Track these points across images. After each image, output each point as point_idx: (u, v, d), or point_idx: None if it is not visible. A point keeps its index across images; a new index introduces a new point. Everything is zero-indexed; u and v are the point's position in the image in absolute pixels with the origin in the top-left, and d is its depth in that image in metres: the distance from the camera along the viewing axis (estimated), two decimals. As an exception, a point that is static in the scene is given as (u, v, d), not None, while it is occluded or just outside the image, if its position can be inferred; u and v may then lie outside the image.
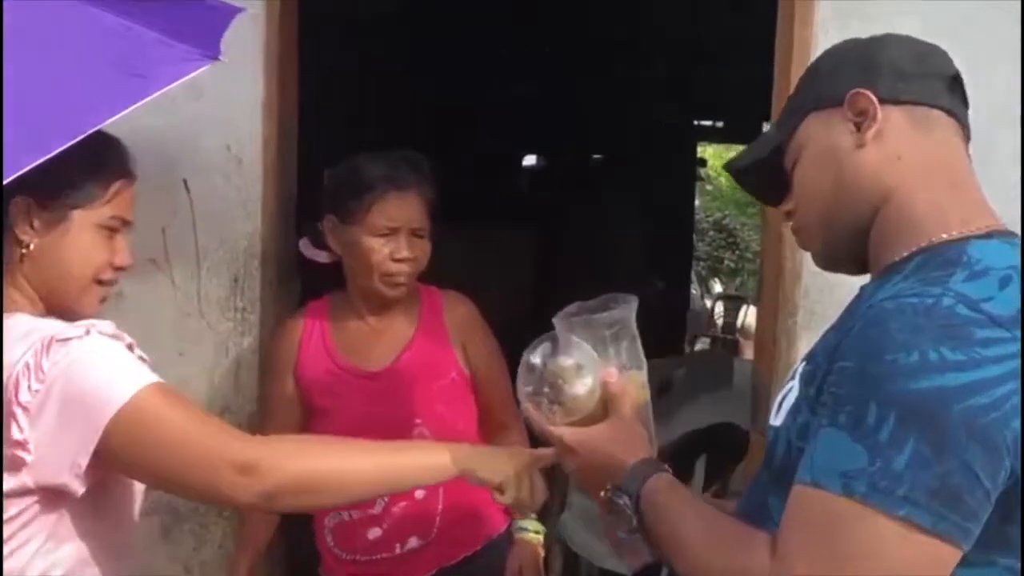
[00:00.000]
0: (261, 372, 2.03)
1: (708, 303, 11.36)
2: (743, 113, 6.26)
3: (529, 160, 7.99)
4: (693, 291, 11.06)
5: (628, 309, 1.20)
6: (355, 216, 1.79)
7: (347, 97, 4.12)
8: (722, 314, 10.96)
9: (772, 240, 1.83)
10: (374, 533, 1.83)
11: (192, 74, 1.23)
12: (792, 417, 0.98)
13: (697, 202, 10.94)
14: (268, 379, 1.95)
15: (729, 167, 1.19)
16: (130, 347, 1.19)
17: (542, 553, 1.92)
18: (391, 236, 1.78)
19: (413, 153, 1.88)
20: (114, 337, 1.17)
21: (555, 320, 1.21)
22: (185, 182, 2.05)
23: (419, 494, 1.83)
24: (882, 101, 0.98)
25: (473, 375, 1.91)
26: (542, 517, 1.93)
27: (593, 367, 1.16)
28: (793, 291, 1.78)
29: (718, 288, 13.25)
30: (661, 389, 3.99)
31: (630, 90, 5.95)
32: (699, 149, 9.01)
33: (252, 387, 2.06)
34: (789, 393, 1.01)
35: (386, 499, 1.81)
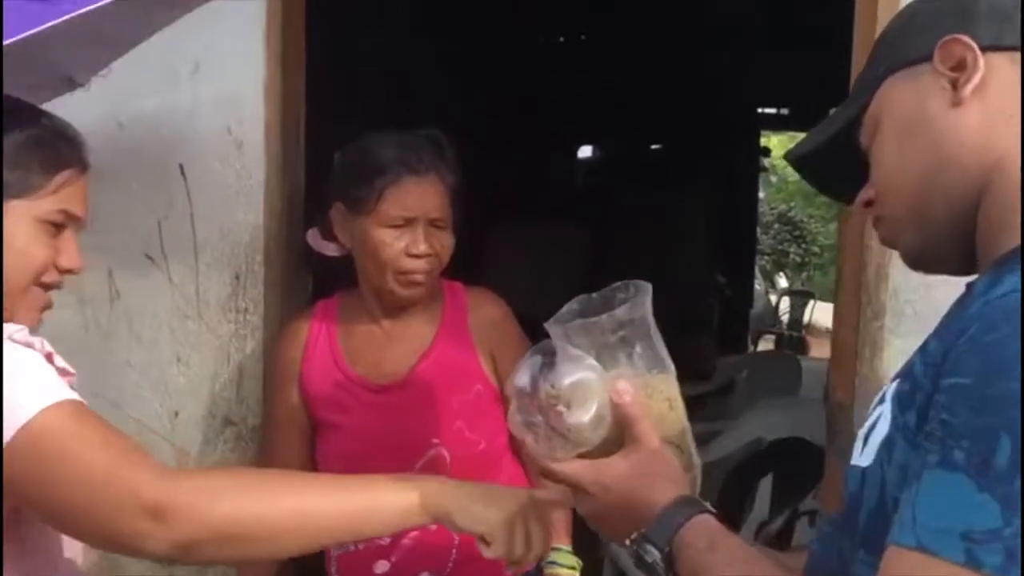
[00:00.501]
0: (265, 381, 1.81)
1: (773, 299, 11.00)
2: (809, 99, 5.98)
3: (584, 152, 7.74)
4: (757, 286, 10.69)
5: (638, 303, 0.93)
6: (365, 205, 1.56)
7: (388, 84, 3.90)
8: (788, 310, 10.58)
9: (852, 229, 1.54)
10: (382, 567, 1.60)
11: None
12: (884, 455, 0.73)
13: (761, 194, 10.56)
14: (270, 390, 1.73)
15: (790, 156, 0.95)
16: (49, 357, 0.97)
17: (580, 593, 1.66)
18: (406, 228, 1.54)
19: (432, 132, 1.63)
20: (27, 345, 0.95)
21: (548, 326, 0.95)
22: (181, 167, 1.84)
23: None
24: (982, 48, 0.78)
25: (502, 385, 1.66)
26: (585, 542, 1.68)
27: (599, 384, 0.91)
28: (879, 289, 1.49)
29: (783, 283, 12.85)
30: (725, 389, 3.71)
31: (690, 77, 5.66)
32: (763, 138, 8.64)
33: (256, 397, 1.85)
34: (878, 422, 0.76)
35: None
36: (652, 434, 0.90)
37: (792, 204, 13.58)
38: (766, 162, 9.77)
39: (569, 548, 1.68)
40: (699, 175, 6.56)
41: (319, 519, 1.00)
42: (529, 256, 5.46)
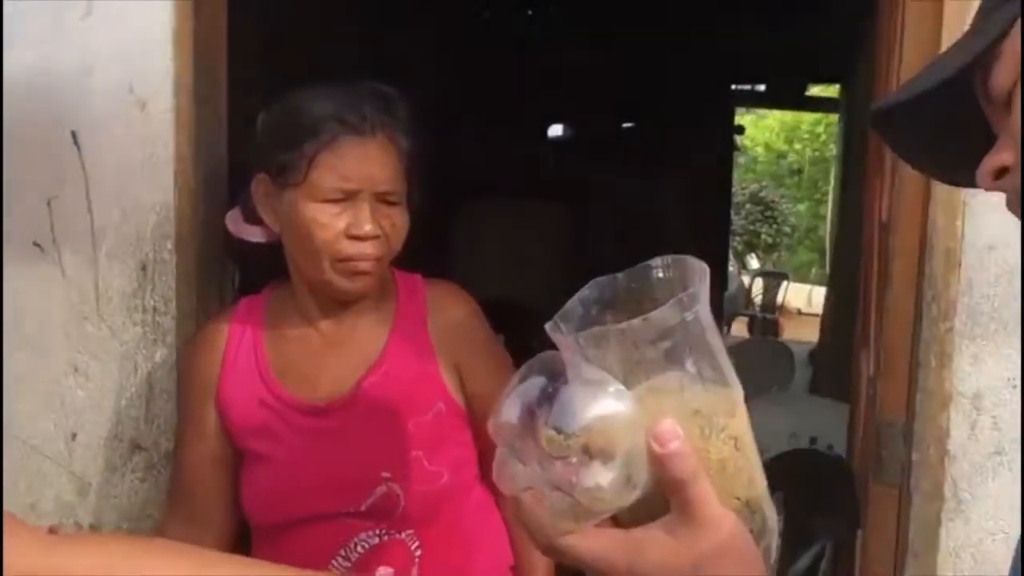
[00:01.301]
0: (178, 398, 1.47)
1: (746, 280, 10.89)
2: (786, 75, 5.80)
3: (555, 131, 7.50)
4: (730, 268, 10.54)
5: (690, 297, 0.59)
6: (293, 174, 1.23)
7: (343, 45, 3.54)
8: (761, 292, 10.45)
9: (908, 202, 1.22)
10: None
11: None
12: None
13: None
14: (182, 411, 1.41)
15: (876, 110, 0.68)
16: None
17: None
18: (346, 203, 1.23)
19: (380, 86, 1.30)
20: None
21: (552, 331, 0.61)
22: (74, 135, 1.49)
23: (381, 574, 1.28)
24: None
25: (471, 405, 1.34)
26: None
27: (629, 422, 0.57)
28: (948, 282, 1.18)
29: (754, 264, 12.73)
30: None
31: (662, 53, 5.44)
32: (736, 115, 8.41)
33: (169, 416, 1.51)
34: None
35: None
36: (711, 497, 0.58)
37: (763, 184, 13.46)
38: (738, 140, 9.59)
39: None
40: (672, 154, 6.37)
41: None
42: (502, 236, 5.23)
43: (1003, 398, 1.17)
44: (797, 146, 13.48)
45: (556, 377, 0.58)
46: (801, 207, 13.70)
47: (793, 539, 1.74)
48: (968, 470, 1.19)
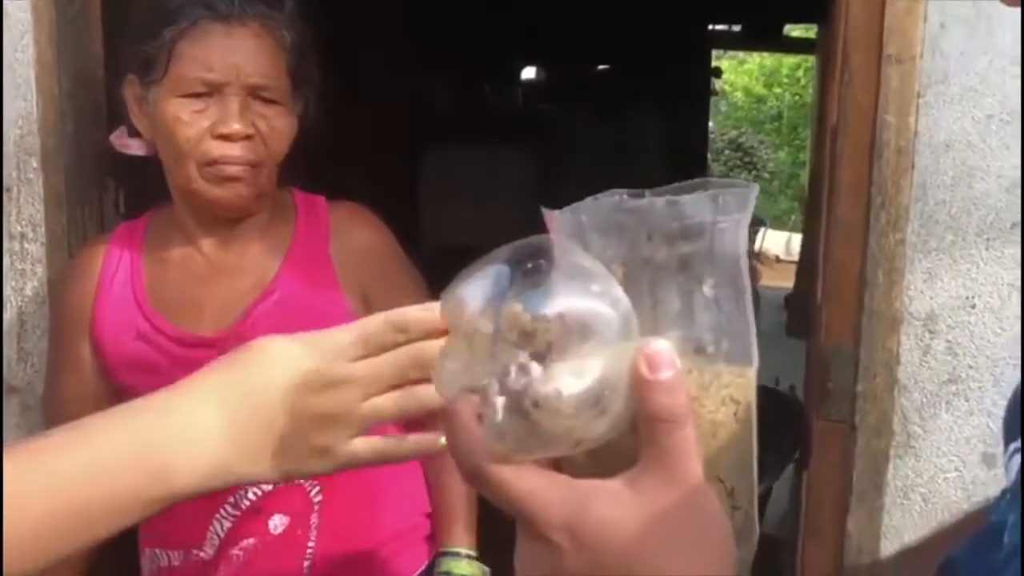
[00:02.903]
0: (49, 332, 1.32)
1: (723, 228, 10.91)
2: (762, 14, 5.68)
3: (528, 73, 7.40)
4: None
5: (724, 204, 0.47)
6: (155, 68, 1.10)
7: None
8: (739, 239, 10.45)
9: (858, 97, 1.07)
10: None
11: None
12: None
13: (710, 121, 10.27)
14: (53, 343, 1.27)
15: None
16: None
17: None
18: (213, 99, 1.10)
19: None
20: None
21: (551, 213, 0.50)
22: (-78, 39, 1.31)
23: (276, 523, 1.16)
24: None
25: None
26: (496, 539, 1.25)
27: (614, 332, 0.44)
28: (899, 186, 1.03)
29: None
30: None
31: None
32: (714, 57, 8.27)
33: (44, 354, 1.35)
34: None
35: (222, 534, 1.16)
36: (694, 452, 0.44)
37: (742, 130, 13.34)
38: (717, 85, 9.45)
39: (469, 550, 1.25)
40: (648, 97, 6.27)
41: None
42: (471, 181, 5.13)
43: (960, 319, 1.03)
44: (777, 90, 13.32)
45: (534, 266, 0.45)
46: (781, 154, 13.61)
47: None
48: (920, 401, 1.05)
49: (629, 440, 0.44)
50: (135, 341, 1.19)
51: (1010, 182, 1.00)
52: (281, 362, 0.64)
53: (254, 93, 1.10)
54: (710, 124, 10.00)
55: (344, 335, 0.64)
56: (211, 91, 1.09)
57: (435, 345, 0.63)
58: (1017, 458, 0.49)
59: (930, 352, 1.04)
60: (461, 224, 4.42)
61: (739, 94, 13.67)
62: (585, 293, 0.44)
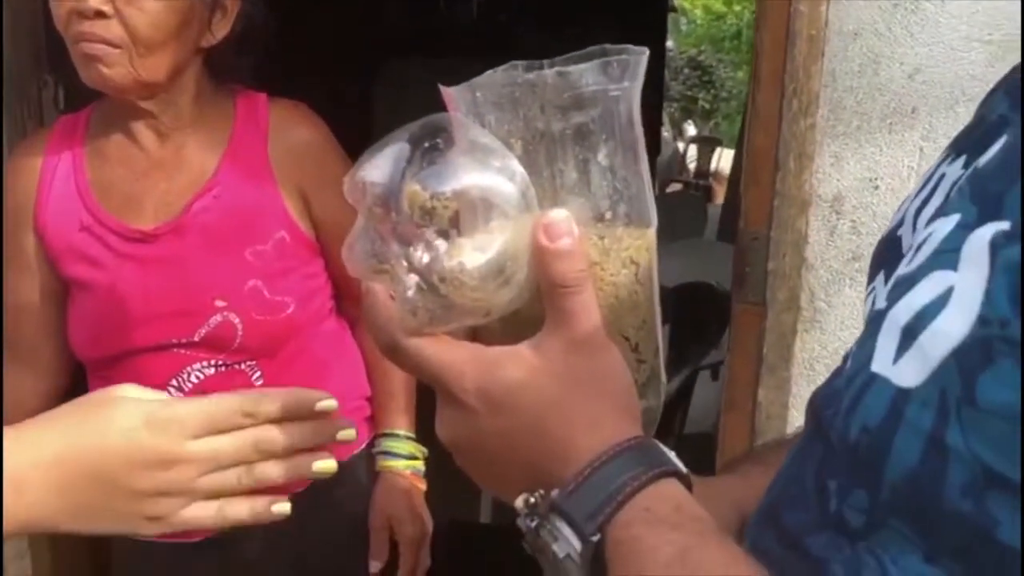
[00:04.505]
0: (-5, 227, 1.34)
1: (681, 147, 10.87)
2: None
3: (481, -14, 7.17)
4: (665, 134, 10.47)
5: (617, 71, 0.47)
6: None
7: None
8: (695, 158, 10.44)
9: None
10: None
11: None
12: (957, 378, 0.36)
13: (670, 42, 10.12)
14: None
15: None
16: None
17: (423, 488, 1.30)
18: None
19: None
20: None
21: (448, 90, 0.49)
22: None
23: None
24: None
25: (320, 234, 1.24)
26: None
27: (515, 205, 0.47)
28: (809, 73, 1.08)
29: (692, 131, 12.64)
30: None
31: None
32: (673, -27, 8.12)
33: (-10, 250, 1.37)
34: (937, 304, 0.38)
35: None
36: (595, 314, 0.48)
37: (702, 49, 13.20)
38: (675, 2, 9.31)
39: (407, 432, 1.32)
40: (603, 12, 6.14)
41: None
42: (425, 96, 5.04)
43: (864, 200, 1.10)
44: (736, 8, 13.17)
45: (434, 143, 0.47)
46: (740, 73, 13.51)
47: (670, 366, 1.70)
48: (825, 278, 1.12)
49: (538, 308, 0.47)
50: (79, 233, 1.21)
51: (912, 68, 1.05)
52: (122, 432, 0.62)
53: None
54: (668, 43, 9.89)
55: (192, 411, 0.63)
56: None
57: (278, 432, 0.64)
58: (870, 300, 0.54)
59: (836, 232, 1.11)
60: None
61: (699, 12, 13.52)
62: (483, 168, 0.45)
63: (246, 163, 1.22)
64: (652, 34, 7.16)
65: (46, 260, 1.22)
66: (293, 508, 1.28)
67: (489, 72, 0.48)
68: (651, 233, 0.50)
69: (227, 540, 1.25)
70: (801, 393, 1.13)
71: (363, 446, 1.32)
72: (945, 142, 1.08)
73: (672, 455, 0.47)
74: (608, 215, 0.48)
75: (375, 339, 0.49)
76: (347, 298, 1.31)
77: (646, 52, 0.48)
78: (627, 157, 0.49)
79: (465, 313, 0.47)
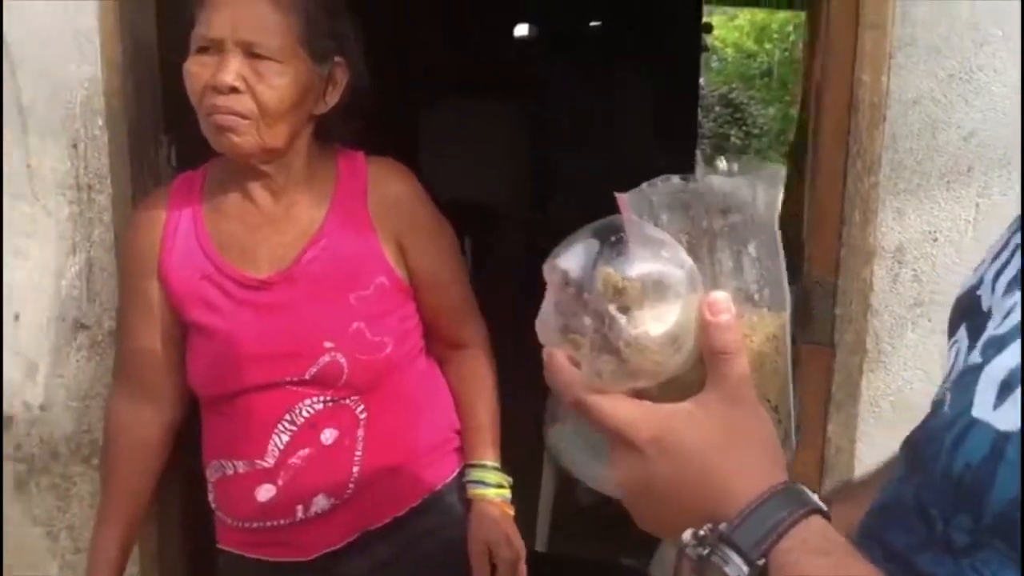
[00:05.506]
0: (119, 275, 1.46)
1: (714, 183, 10.84)
2: None
3: (520, 30, 7.32)
4: (697, 171, 10.46)
5: (763, 183, 0.60)
6: (190, 37, 1.23)
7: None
8: (729, 194, 10.42)
9: (839, 56, 1.22)
10: (266, 492, 1.31)
11: None
12: None
13: (701, 79, 10.22)
14: (125, 287, 1.39)
15: None
16: None
17: (511, 514, 1.40)
18: (217, 55, 1.19)
19: None
20: None
21: (621, 196, 0.62)
22: (-6, 9, 1.44)
23: (327, 436, 1.31)
24: None
25: (413, 280, 1.34)
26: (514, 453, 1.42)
27: (685, 288, 0.58)
28: (872, 136, 1.19)
29: (724, 168, 12.65)
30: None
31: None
32: (704, 13, 8.23)
33: (111, 294, 1.51)
34: (1004, 352, 0.49)
35: (281, 445, 1.30)
36: (749, 378, 0.58)
37: (733, 86, 13.29)
38: (707, 40, 9.41)
39: (495, 463, 1.41)
40: (638, 53, 6.23)
41: None
42: (465, 137, 5.15)
43: (924, 251, 1.20)
44: (767, 46, 13.29)
45: (614, 241, 0.58)
46: (771, 110, 13.58)
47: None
48: (889, 323, 1.22)
49: (690, 375, 0.57)
50: (201, 281, 1.30)
51: (967, 132, 1.16)
52: None
53: (249, 50, 1.18)
54: (700, 80, 9.99)
55: None
56: (212, 48, 1.18)
57: None
58: (954, 351, 0.64)
59: (898, 280, 1.21)
60: (456, 179, 4.49)
61: (729, 50, 13.65)
62: (659, 258, 0.56)
63: (349, 216, 1.31)
64: (686, 73, 7.28)
65: (168, 305, 1.32)
66: (392, 535, 1.39)
67: (649, 184, 0.60)
68: (787, 314, 0.61)
69: (331, 564, 1.36)
70: (867, 429, 1.22)
71: (454, 476, 1.42)
72: (1000, 198, 1.19)
73: (814, 496, 0.56)
74: (756, 297, 0.60)
75: (560, 395, 0.59)
76: (435, 338, 1.41)
77: (783, 170, 0.60)
78: (770, 250, 0.60)
79: (641, 375, 0.57)
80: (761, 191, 0.59)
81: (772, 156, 13.98)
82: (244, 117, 1.19)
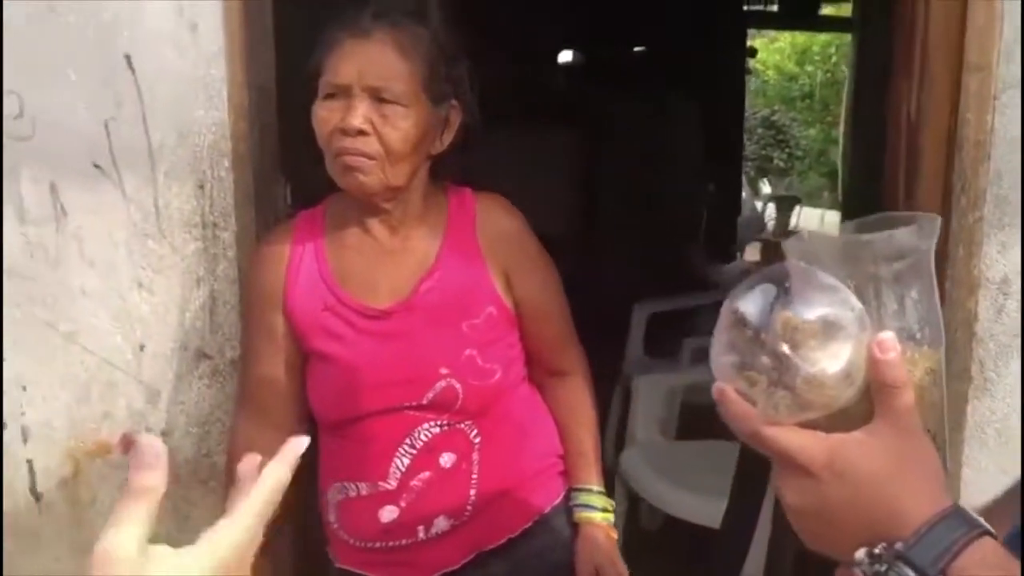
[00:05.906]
0: (242, 307, 1.55)
1: (758, 205, 10.86)
2: None
3: (565, 56, 7.40)
4: (743, 194, 10.52)
5: (925, 233, 0.67)
6: (315, 85, 1.31)
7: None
8: (773, 216, 10.45)
9: (939, 96, 1.27)
10: (389, 514, 1.37)
11: None
12: None
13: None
14: (249, 319, 1.47)
15: None
16: None
17: (615, 537, 1.45)
18: (344, 100, 1.27)
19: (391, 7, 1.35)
20: None
21: (787, 245, 0.69)
22: (128, 59, 1.54)
23: (446, 460, 1.37)
24: None
25: (519, 309, 1.41)
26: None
27: (855, 329, 0.64)
28: (977, 173, 1.24)
29: (767, 190, 12.67)
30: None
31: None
32: (748, 37, 8.28)
33: (232, 325, 1.59)
34: None
35: (403, 468, 1.36)
36: (914, 409, 0.63)
37: (775, 108, 13.30)
38: (750, 64, 9.45)
39: (600, 488, 1.47)
40: (684, 78, 6.26)
41: None
42: (514, 164, 5.20)
43: (1028, 283, 1.25)
44: (808, 68, 13.29)
45: (785, 284, 0.65)
46: (812, 131, 13.55)
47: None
48: (994, 351, 1.26)
49: (856, 407, 0.64)
50: (323, 312, 1.37)
51: (1066, 172, 1.21)
52: None
53: (375, 95, 1.25)
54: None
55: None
56: (340, 93, 1.26)
57: None
58: None
59: (1003, 310, 1.25)
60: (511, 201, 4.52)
61: (771, 72, 13.67)
62: (832, 302, 0.63)
63: (461, 249, 1.39)
64: (731, 97, 7.30)
65: (292, 336, 1.39)
66: (506, 556, 1.44)
67: (808, 232, 0.68)
68: (943, 350, 0.68)
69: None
70: (973, 455, 1.27)
71: (560, 499, 1.47)
72: (1103, 231, 1.22)
73: (980, 518, 0.62)
74: (918, 336, 0.66)
75: (734, 427, 0.65)
76: (537, 366, 1.48)
77: (939, 219, 0.66)
78: (929, 293, 0.66)
79: (813, 408, 0.63)
80: (924, 240, 0.65)
81: (813, 178, 13.96)
82: (370, 158, 1.26)
